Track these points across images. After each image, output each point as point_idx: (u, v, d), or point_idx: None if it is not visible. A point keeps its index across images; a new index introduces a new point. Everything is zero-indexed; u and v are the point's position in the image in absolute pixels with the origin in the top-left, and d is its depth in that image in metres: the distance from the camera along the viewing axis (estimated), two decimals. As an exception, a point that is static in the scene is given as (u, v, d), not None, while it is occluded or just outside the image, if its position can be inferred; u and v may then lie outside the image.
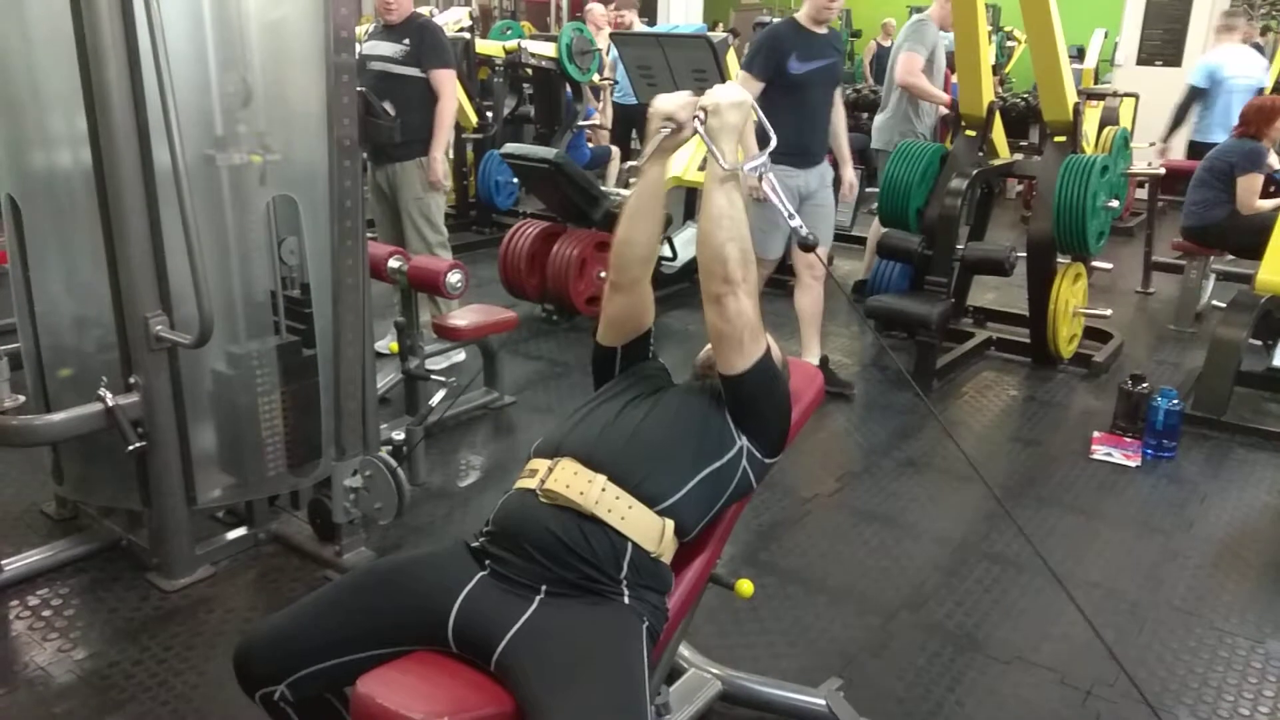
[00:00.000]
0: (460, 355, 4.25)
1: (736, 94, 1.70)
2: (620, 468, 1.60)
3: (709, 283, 1.64)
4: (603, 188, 5.12)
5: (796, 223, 1.70)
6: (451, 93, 4.05)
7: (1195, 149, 6.44)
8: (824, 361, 4.14)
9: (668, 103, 1.77)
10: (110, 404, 2.38)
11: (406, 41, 3.95)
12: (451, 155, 6.67)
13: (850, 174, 4.26)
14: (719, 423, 1.71)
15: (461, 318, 3.63)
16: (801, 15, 3.88)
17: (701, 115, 1.69)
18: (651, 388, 1.83)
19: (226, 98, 2.46)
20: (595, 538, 1.55)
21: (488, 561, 1.59)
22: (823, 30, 3.88)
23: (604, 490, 1.57)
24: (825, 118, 4.00)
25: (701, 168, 5.62)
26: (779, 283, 5.73)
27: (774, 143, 1.71)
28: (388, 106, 3.78)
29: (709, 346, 1.92)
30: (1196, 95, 6.50)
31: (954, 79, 5.81)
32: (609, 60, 7.19)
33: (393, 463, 2.58)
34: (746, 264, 1.62)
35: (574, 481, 1.58)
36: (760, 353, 1.67)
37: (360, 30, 4.70)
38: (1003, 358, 4.65)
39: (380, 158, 4.08)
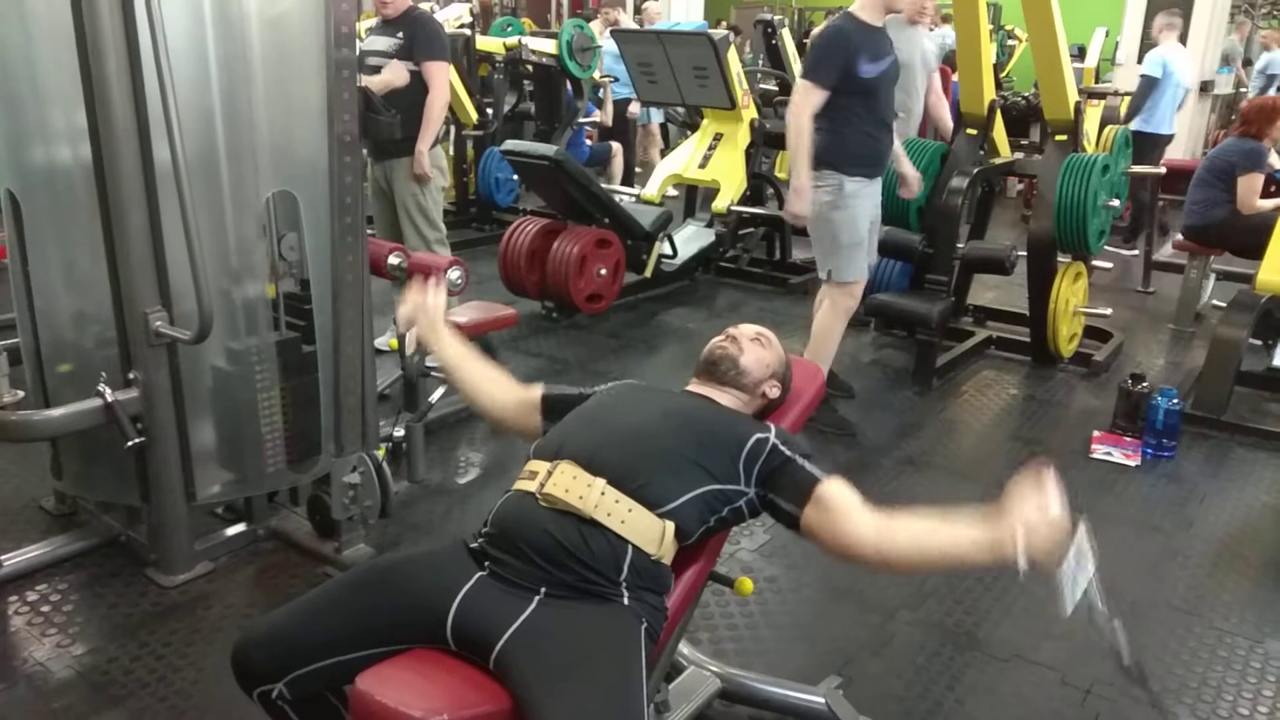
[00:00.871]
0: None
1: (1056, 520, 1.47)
2: (621, 471, 1.59)
3: (888, 566, 1.66)
4: (604, 185, 5.12)
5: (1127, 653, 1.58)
6: (442, 85, 4.00)
7: (1142, 139, 6.49)
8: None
9: (405, 315, 1.99)
10: (109, 399, 2.38)
11: (401, 35, 3.94)
12: (452, 151, 6.67)
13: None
14: (730, 460, 1.68)
15: (461, 314, 3.62)
16: (863, 9, 3.44)
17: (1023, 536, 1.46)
18: (650, 391, 1.83)
19: (227, 94, 2.45)
20: (595, 541, 1.54)
21: (487, 562, 1.59)
22: (881, 25, 3.49)
23: (603, 494, 1.57)
24: (891, 121, 3.66)
25: (702, 166, 5.63)
26: (779, 280, 5.75)
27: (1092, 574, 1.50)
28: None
29: (715, 341, 1.91)
30: (1152, 86, 6.61)
31: (954, 78, 5.82)
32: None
33: (379, 460, 2.58)
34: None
35: (573, 485, 1.58)
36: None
37: (361, 28, 4.69)
38: (1003, 356, 4.65)
39: (378, 153, 4.07)
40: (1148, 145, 6.49)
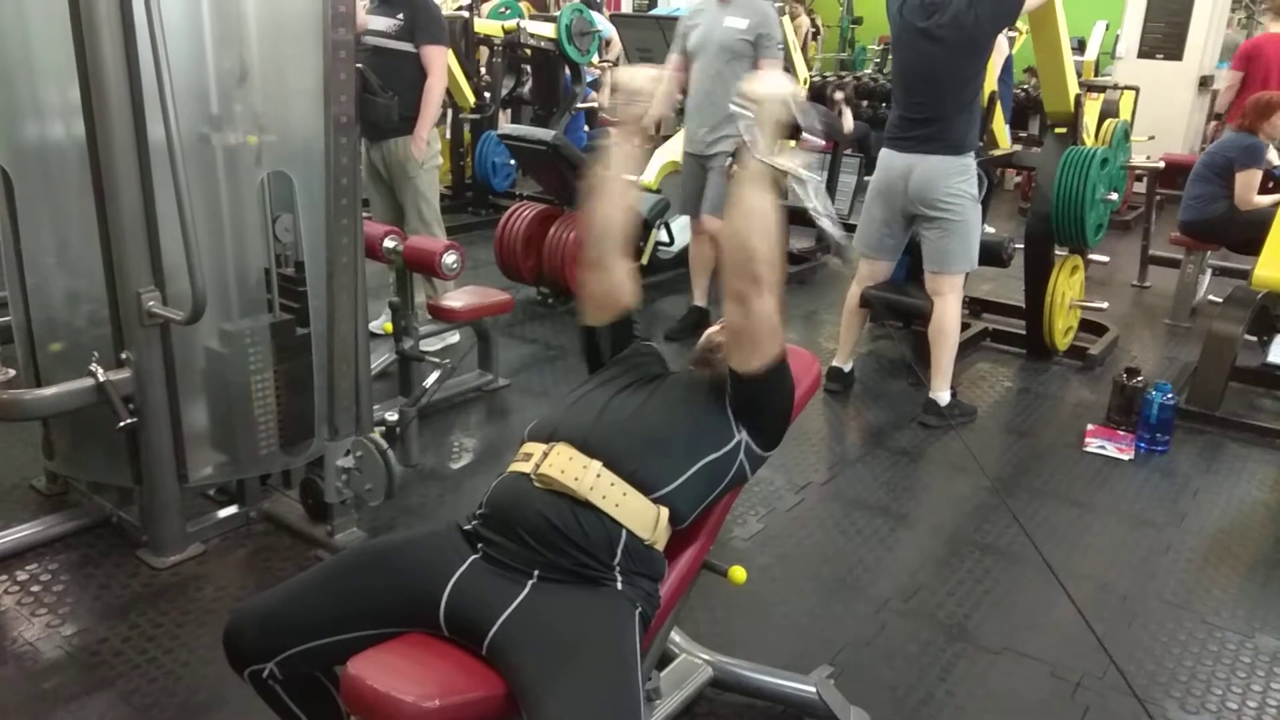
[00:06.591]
0: (455, 337, 4.23)
1: (782, 86, 1.65)
2: (616, 454, 1.59)
3: (734, 279, 1.60)
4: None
5: (838, 232, 1.71)
6: (441, 71, 3.98)
7: None
8: (954, 395, 3.82)
9: (632, 78, 1.80)
10: (101, 379, 2.37)
11: (401, 16, 3.91)
12: (449, 135, 6.63)
13: None
14: (718, 414, 1.70)
15: (456, 299, 3.61)
16: None
17: (746, 105, 1.63)
18: (648, 374, 1.82)
19: (222, 73, 2.44)
20: (589, 524, 1.54)
21: (480, 545, 1.58)
22: None
23: (599, 476, 1.56)
24: None
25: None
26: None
27: (820, 142, 1.71)
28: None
29: (709, 332, 1.91)
30: None
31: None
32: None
33: (383, 444, 2.57)
34: (774, 262, 1.59)
35: (569, 467, 1.57)
36: (777, 354, 1.66)
37: (360, 4, 4.64)
38: (998, 349, 4.65)
39: (374, 135, 4.04)
40: None
